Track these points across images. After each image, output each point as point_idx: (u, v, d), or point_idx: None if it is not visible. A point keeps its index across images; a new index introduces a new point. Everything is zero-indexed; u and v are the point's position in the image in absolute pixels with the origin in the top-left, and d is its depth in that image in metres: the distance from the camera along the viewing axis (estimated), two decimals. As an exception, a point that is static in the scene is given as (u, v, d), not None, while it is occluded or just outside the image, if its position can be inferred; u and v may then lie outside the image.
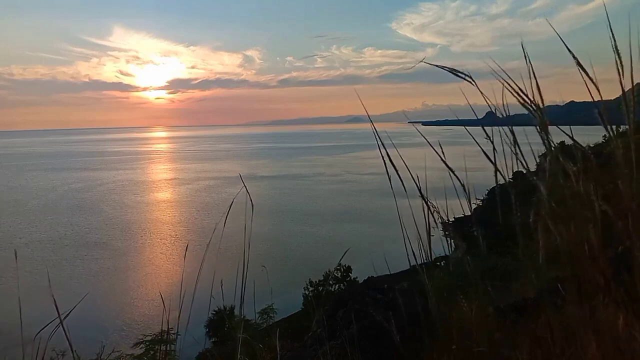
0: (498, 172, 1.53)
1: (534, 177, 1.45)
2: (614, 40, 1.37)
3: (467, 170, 1.99)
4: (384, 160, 1.61)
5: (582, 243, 1.40)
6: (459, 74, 1.47)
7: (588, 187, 1.41)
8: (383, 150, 1.60)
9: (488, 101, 1.54)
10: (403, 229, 1.68)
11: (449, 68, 1.48)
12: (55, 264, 39.23)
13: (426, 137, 1.67)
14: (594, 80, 1.41)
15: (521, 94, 1.47)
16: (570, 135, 1.57)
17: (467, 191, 1.62)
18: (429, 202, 1.63)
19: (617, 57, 1.38)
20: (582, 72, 1.42)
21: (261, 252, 37.77)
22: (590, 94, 1.43)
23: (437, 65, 1.53)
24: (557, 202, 1.43)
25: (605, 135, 1.58)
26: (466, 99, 1.72)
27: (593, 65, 1.46)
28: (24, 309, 2.72)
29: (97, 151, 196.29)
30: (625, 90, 1.39)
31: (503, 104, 1.54)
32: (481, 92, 1.50)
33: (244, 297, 1.76)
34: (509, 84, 1.48)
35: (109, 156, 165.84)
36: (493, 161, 1.54)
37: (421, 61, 1.63)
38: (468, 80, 1.47)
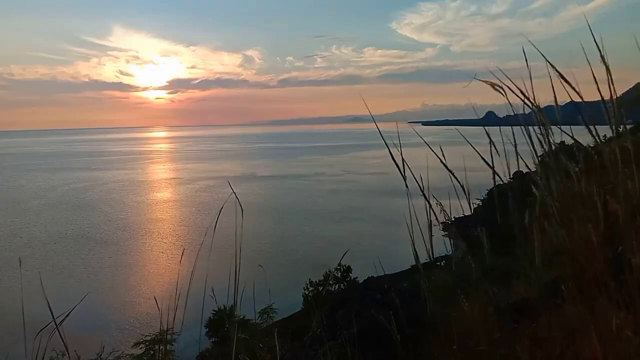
0: (496, 173, 1.53)
1: (531, 179, 1.45)
2: (598, 46, 1.37)
3: (470, 169, 1.99)
4: (396, 159, 1.61)
5: (582, 243, 1.40)
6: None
7: (590, 187, 1.41)
8: (392, 150, 1.60)
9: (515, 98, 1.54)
10: (409, 228, 1.68)
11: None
12: (55, 263, 39.24)
13: (424, 138, 1.67)
14: (575, 86, 1.42)
15: (521, 94, 1.47)
16: (571, 135, 1.57)
17: (466, 192, 1.61)
18: (430, 202, 1.63)
19: (619, 57, 1.37)
20: (587, 70, 1.42)
21: (261, 251, 37.76)
22: (570, 97, 1.43)
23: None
24: (557, 202, 1.43)
25: (605, 135, 1.58)
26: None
27: (593, 66, 1.46)
28: (25, 308, 2.72)
29: (97, 151, 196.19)
30: (620, 93, 1.39)
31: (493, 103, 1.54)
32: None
33: (239, 298, 1.77)
34: (509, 84, 1.48)
35: (109, 156, 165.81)
36: (491, 163, 1.54)
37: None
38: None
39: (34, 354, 1.65)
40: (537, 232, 1.44)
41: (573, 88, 1.42)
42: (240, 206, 1.81)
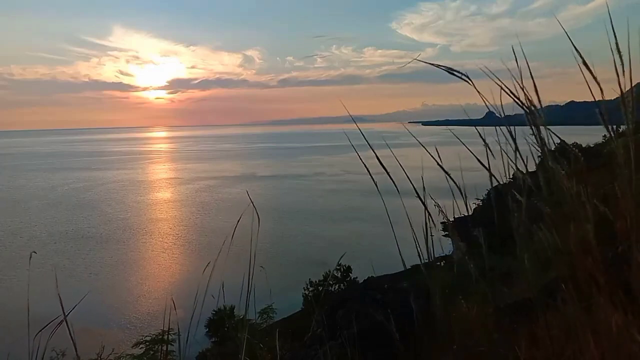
0: (493, 173, 1.54)
1: (529, 179, 1.45)
2: (616, 39, 1.37)
3: (471, 169, 2.00)
4: (392, 160, 1.62)
5: (580, 243, 1.41)
6: (456, 73, 1.47)
7: (581, 188, 1.41)
8: (389, 151, 1.61)
9: (486, 102, 1.54)
10: (412, 227, 1.68)
11: (445, 67, 1.47)
12: (56, 262, 39.23)
13: (419, 139, 1.68)
14: (596, 79, 1.41)
15: (515, 94, 1.47)
16: (561, 138, 1.57)
17: (462, 192, 1.62)
18: (426, 202, 1.63)
19: (618, 56, 1.38)
20: (586, 70, 1.42)
21: (261, 251, 37.39)
22: (592, 94, 1.43)
23: (433, 64, 1.52)
24: (555, 203, 1.43)
25: (605, 135, 1.58)
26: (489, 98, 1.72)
27: (593, 66, 1.46)
28: (23, 307, 2.73)
29: (97, 151, 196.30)
30: (625, 89, 1.39)
31: (502, 104, 1.54)
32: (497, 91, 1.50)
33: (244, 300, 1.78)
34: (506, 84, 1.49)
35: (109, 156, 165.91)
36: (487, 163, 1.54)
37: (416, 59, 1.63)
38: (465, 79, 1.47)
39: (34, 353, 1.65)
40: (542, 233, 1.44)
41: (600, 88, 1.41)
42: (257, 215, 1.82)
